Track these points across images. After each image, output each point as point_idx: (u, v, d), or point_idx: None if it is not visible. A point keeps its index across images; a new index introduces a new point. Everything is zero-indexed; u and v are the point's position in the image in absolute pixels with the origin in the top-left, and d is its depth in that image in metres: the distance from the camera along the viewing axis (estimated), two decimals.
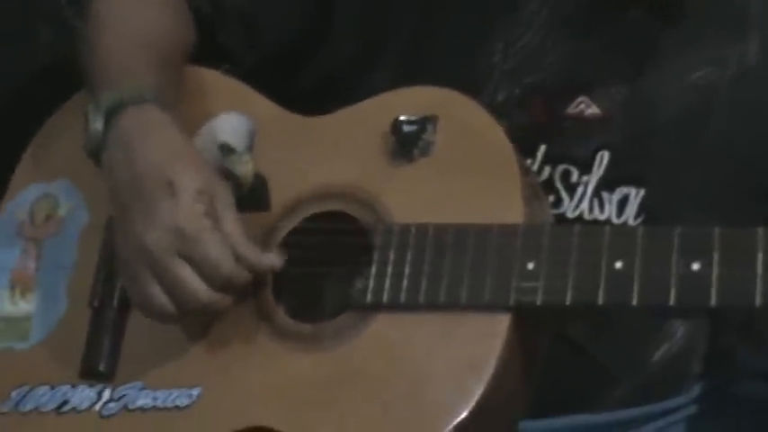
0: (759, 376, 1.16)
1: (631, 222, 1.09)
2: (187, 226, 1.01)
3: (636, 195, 1.09)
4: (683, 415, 1.15)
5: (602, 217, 1.10)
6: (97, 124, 1.07)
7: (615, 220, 1.10)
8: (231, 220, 1.03)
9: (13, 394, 1.10)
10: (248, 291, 1.05)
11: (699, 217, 1.06)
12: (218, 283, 1.01)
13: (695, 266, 0.94)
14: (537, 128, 1.11)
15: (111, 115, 1.07)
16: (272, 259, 1.04)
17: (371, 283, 1.02)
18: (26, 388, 1.09)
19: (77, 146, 1.15)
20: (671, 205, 1.09)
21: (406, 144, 1.06)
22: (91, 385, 1.08)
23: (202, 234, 1.01)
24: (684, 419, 1.14)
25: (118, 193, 1.06)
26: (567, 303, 0.96)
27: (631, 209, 1.09)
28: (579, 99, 1.09)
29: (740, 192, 1.10)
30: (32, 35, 1.35)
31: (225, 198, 1.04)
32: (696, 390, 1.17)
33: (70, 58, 1.15)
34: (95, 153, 1.08)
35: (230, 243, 1.02)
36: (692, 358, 1.17)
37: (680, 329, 1.14)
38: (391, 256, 1.02)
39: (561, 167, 1.11)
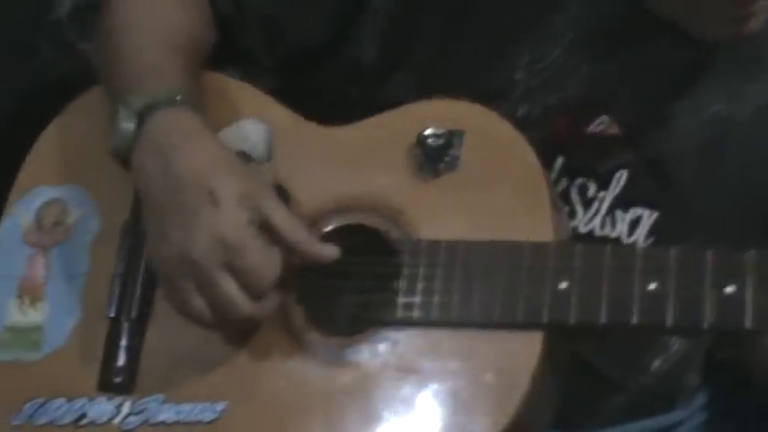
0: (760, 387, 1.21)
1: (641, 243, 1.12)
2: (231, 235, 1.00)
3: (649, 217, 1.11)
4: (695, 424, 1.18)
5: (613, 235, 1.12)
6: (130, 124, 1.06)
7: (625, 240, 1.12)
8: (280, 213, 1.02)
9: (26, 407, 1.08)
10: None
11: (708, 246, 1.05)
12: (260, 294, 1.01)
13: (729, 290, 0.97)
14: (556, 141, 1.13)
15: (142, 116, 1.06)
16: (329, 250, 1.03)
17: (401, 299, 1.03)
18: (40, 401, 1.08)
19: (87, 149, 1.14)
20: (682, 232, 1.11)
21: (432, 158, 1.07)
22: (109, 398, 1.07)
23: (246, 243, 1.01)
24: (695, 428, 1.18)
25: (152, 198, 1.05)
26: (602, 323, 0.99)
27: (642, 230, 1.12)
28: (600, 118, 1.11)
29: (752, 226, 1.12)
30: (34, 52, 1.33)
31: (268, 195, 1.04)
32: (699, 400, 1.20)
33: (71, 75, 1.15)
34: (125, 153, 1.07)
35: (285, 236, 1.02)
36: (690, 370, 1.20)
37: (677, 342, 1.17)
38: (421, 272, 1.03)
39: (579, 181, 1.13)
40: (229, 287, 1.01)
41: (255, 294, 1.02)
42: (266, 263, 1.01)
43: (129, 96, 1.07)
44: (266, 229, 1.02)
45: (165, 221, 1.03)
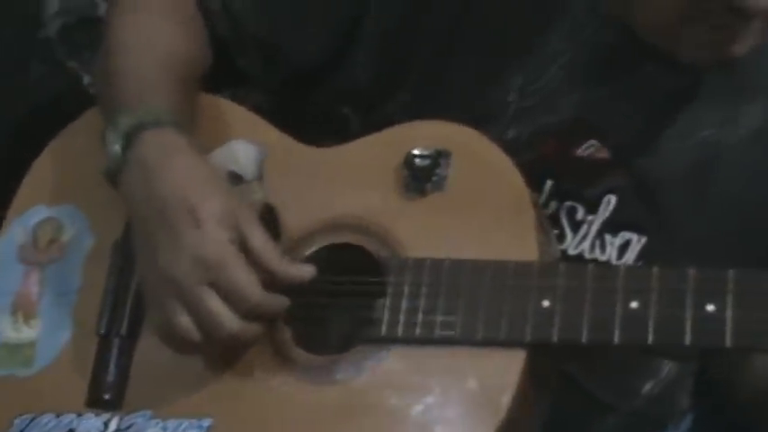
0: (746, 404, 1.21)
1: None
2: (212, 254, 1.02)
3: (638, 242, 1.12)
4: None
5: (602, 258, 1.13)
6: (116, 147, 1.08)
7: (614, 263, 1.12)
8: (258, 236, 1.04)
9: (17, 422, 1.10)
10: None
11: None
12: (246, 309, 1.03)
13: (710, 308, 0.98)
14: (545, 164, 1.14)
15: (129, 138, 1.08)
16: (305, 270, 1.05)
17: (386, 316, 1.04)
18: (29, 416, 1.10)
19: (83, 169, 1.17)
20: (671, 256, 1.11)
21: (419, 178, 1.08)
22: (97, 414, 1.09)
23: (228, 261, 1.02)
24: None
25: (139, 219, 1.07)
26: (584, 341, 1.00)
27: (632, 254, 1.13)
28: (590, 142, 1.12)
29: (741, 251, 1.12)
30: (25, 72, 1.37)
31: (249, 217, 1.05)
32: (688, 420, 1.21)
33: (61, 92, 1.17)
34: (113, 176, 1.09)
35: (261, 258, 1.03)
36: (681, 393, 1.20)
37: (667, 366, 1.18)
38: (406, 289, 1.04)
39: (568, 204, 1.14)
40: (214, 303, 1.02)
41: (242, 312, 1.03)
42: (248, 279, 1.02)
43: (118, 117, 1.10)
44: (246, 252, 1.04)
45: (151, 242, 1.05)
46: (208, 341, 1.04)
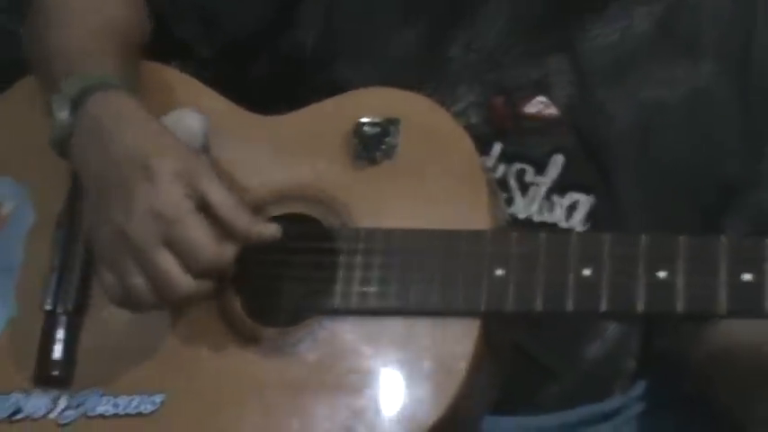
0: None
1: (578, 228, 1.16)
2: (166, 209, 1.03)
3: (585, 202, 1.16)
4: (633, 413, 1.22)
5: (551, 220, 1.17)
6: (64, 113, 1.08)
7: (563, 224, 1.17)
8: (217, 191, 1.05)
9: None
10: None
11: (644, 230, 1.09)
12: (200, 268, 1.03)
13: (661, 274, 1.01)
14: (494, 125, 1.17)
15: (77, 102, 1.08)
16: (272, 228, 1.05)
17: (339, 288, 1.07)
18: None
19: (17, 141, 1.17)
20: (617, 216, 1.16)
21: (369, 147, 1.11)
22: (45, 392, 1.10)
23: (182, 216, 1.03)
24: (634, 418, 1.21)
25: (92, 181, 1.07)
26: (538, 310, 1.03)
27: (579, 215, 1.16)
28: (538, 98, 1.16)
29: (686, 209, 1.17)
30: None
31: (206, 171, 1.06)
32: (640, 388, 1.24)
33: (9, 62, 1.17)
34: (62, 143, 1.09)
35: (221, 214, 1.04)
36: (626, 356, 1.24)
37: (611, 327, 1.21)
38: (358, 260, 1.07)
39: (517, 166, 1.17)
40: (168, 262, 1.03)
41: (195, 270, 1.03)
42: (204, 237, 1.03)
43: (63, 84, 1.10)
44: (205, 209, 1.04)
45: (104, 201, 1.05)
46: (160, 303, 1.04)
